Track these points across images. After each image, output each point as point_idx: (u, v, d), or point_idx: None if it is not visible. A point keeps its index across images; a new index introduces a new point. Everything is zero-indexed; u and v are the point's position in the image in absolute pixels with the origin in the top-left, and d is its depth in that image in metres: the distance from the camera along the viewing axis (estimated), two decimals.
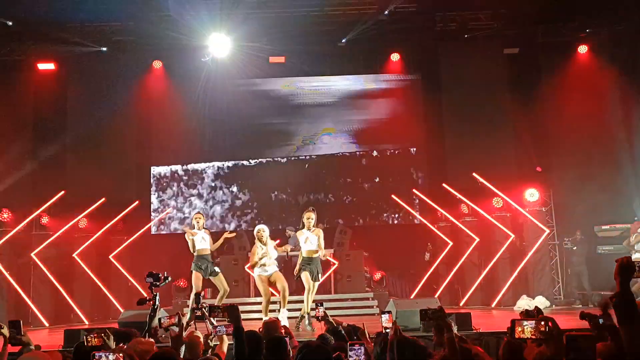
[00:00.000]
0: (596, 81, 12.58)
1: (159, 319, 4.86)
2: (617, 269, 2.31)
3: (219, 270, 8.84)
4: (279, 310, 8.41)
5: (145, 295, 4.60)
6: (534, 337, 3.01)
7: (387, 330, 4.43)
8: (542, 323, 2.96)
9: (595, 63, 12.97)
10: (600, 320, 3.60)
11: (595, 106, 12.34)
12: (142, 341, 4.18)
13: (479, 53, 13.17)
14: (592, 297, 11.32)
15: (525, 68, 13.12)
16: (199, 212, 9.43)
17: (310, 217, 8.35)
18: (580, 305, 11.11)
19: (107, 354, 3.66)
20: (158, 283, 4.34)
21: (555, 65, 13.06)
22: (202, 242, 8.74)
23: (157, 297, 4.43)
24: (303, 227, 8.43)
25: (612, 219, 12.06)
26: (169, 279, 4.49)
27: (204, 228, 8.85)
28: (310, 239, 8.34)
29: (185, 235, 8.80)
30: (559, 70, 12.98)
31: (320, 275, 8.55)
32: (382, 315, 4.58)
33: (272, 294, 8.81)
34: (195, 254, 8.72)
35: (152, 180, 13.81)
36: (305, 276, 8.31)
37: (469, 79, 12.99)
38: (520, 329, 3.00)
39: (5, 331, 4.71)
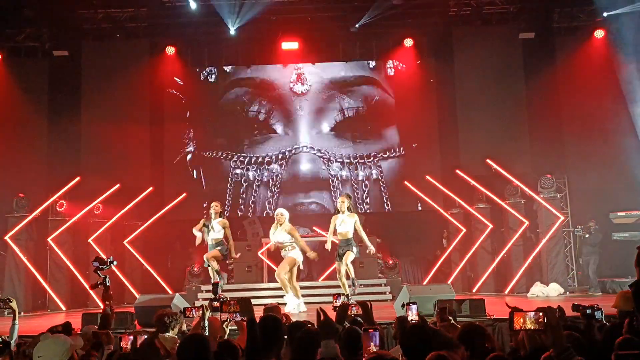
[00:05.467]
0: (613, 66, 12.38)
1: (183, 310, 5.00)
2: (637, 258, 2.29)
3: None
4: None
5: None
6: (533, 328, 2.99)
7: (413, 320, 4.52)
8: (541, 314, 2.96)
9: (611, 48, 12.75)
10: (588, 311, 3.59)
11: (611, 92, 12.18)
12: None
13: (493, 38, 13.01)
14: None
15: (541, 53, 12.93)
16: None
17: (342, 201, 8.76)
18: (600, 293, 11.03)
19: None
20: (104, 267, 4.67)
21: (571, 50, 12.86)
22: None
23: (107, 280, 4.69)
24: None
25: (627, 206, 11.94)
26: (115, 262, 4.84)
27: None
28: (345, 222, 8.65)
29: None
30: (575, 55, 12.78)
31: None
32: (411, 306, 4.69)
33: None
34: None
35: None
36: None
37: (484, 64, 12.82)
38: (522, 320, 2.99)
39: (14, 305, 4.85)
